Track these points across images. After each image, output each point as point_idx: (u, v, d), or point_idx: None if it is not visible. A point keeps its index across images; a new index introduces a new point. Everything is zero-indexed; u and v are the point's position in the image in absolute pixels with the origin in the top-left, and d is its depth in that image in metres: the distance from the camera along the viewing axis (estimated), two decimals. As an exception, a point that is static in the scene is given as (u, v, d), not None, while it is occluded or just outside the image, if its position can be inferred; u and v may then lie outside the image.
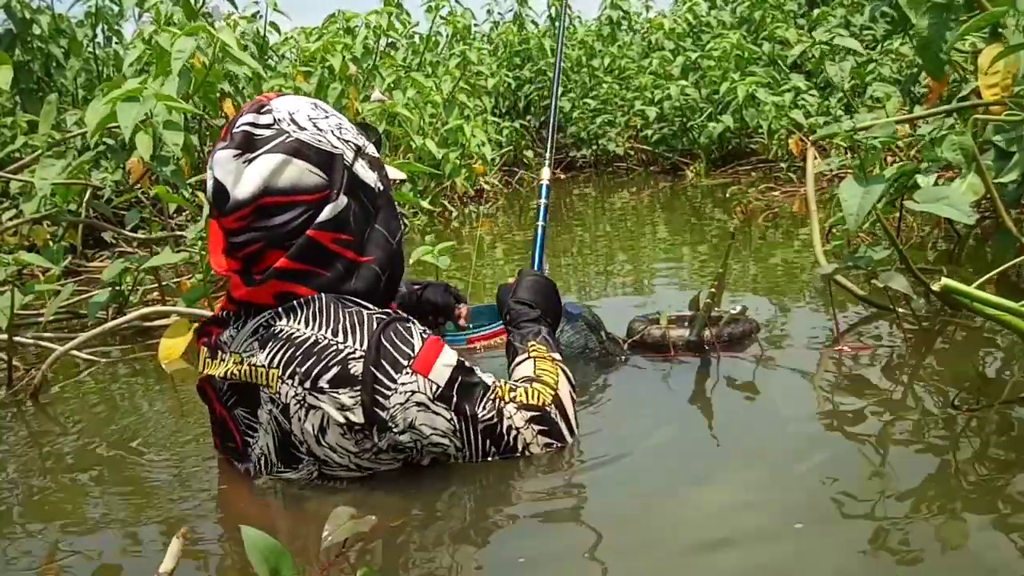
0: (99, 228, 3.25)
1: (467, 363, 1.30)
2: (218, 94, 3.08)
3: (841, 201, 1.82)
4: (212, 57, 2.65)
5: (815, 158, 2.55)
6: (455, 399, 1.25)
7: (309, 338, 1.23)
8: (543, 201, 1.88)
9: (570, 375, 1.44)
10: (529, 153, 7.11)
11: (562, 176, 7.42)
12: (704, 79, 6.76)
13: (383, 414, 1.21)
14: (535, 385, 1.36)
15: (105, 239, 3.57)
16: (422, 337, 1.26)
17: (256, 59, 4.18)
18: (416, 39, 6.64)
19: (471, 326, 2.02)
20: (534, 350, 1.46)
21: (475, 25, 7.79)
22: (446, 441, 1.27)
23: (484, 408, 1.28)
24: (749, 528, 1.14)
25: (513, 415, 1.31)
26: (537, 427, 1.33)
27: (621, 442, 1.46)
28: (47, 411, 1.89)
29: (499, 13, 8.42)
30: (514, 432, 1.31)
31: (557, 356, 1.47)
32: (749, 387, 1.71)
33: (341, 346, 1.22)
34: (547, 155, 1.95)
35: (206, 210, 2.12)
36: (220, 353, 1.31)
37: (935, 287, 1.43)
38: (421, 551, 1.13)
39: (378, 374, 1.21)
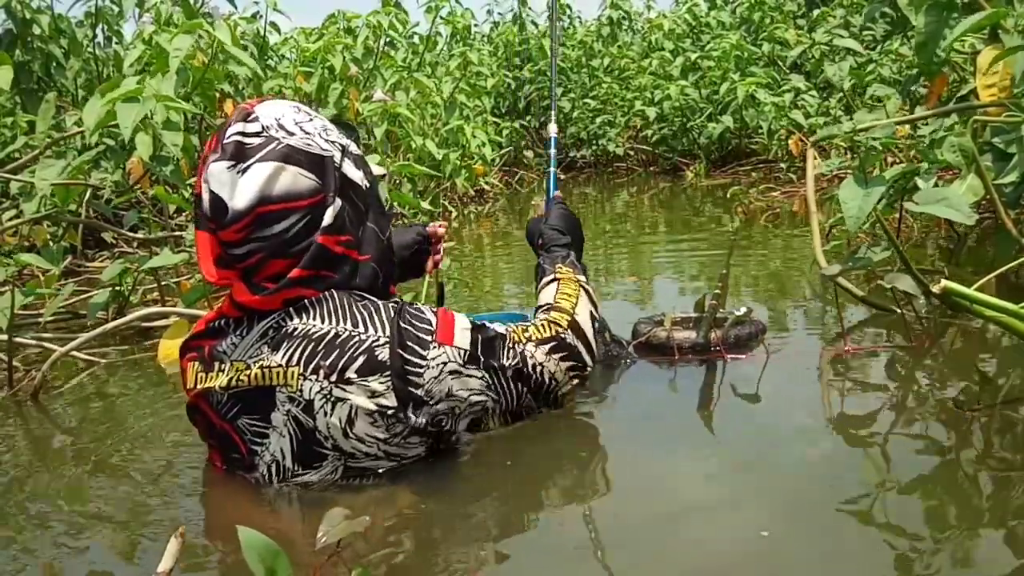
0: (99, 228, 3.25)
1: (478, 321, 1.35)
2: (217, 94, 3.08)
3: (841, 203, 1.82)
4: (211, 56, 2.65)
5: (815, 158, 2.54)
6: (482, 358, 1.32)
7: (328, 332, 1.24)
8: (552, 151, 1.98)
9: (593, 295, 1.51)
10: (529, 153, 7.11)
11: (562, 176, 7.42)
12: (704, 79, 6.76)
13: (418, 392, 1.25)
14: (551, 314, 1.44)
15: (105, 239, 3.57)
16: (433, 312, 1.31)
17: (256, 59, 4.18)
18: (416, 39, 6.64)
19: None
20: (561, 272, 1.55)
21: (475, 25, 7.79)
22: (483, 397, 1.33)
23: (508, 357, 1.35)
24: (739, 531, 1.14)
25: (534, 353, 1.38)
26: (557, 355, 1.40)
27: (622, 445, 1.47)
28: (47, 411, 1.89)
29: (499, 13, 8.43)
30: (539, 368, 1.38)
31: (582, 278, 1.54)
32: (753, 389, 1.70)
33: (363, 336, 1.24)
34: (552, 113, 2.07)
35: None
36: (218, 364, 1.29)
37: (935, 289, 1.43)
38: (415, 551, 1.13)
39: (406, 355, 1.25)
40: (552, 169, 1.97)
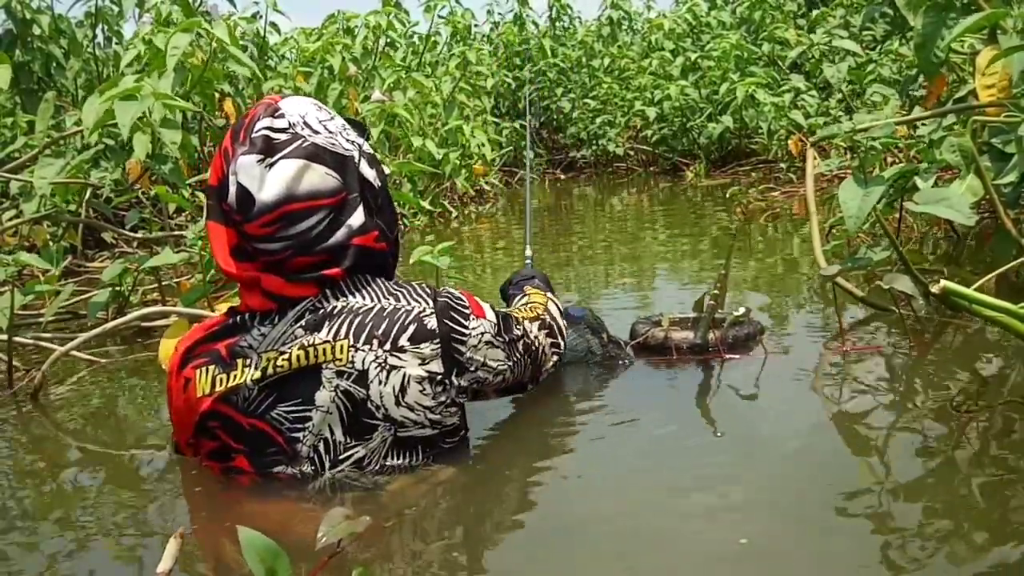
0: (99, 228, 3.25)
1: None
2: (217, 93, 3.08)
3: (841, 203, 1.82)
4: (209, 55, 2.65)
5: (814, 159, 2.55)
6: (504, 331, 1.41)
7: (374, 307, 1.31)
8: (528, 262, 2.14)
9: (557, 301, 1.70)
10: (529, 154, 7.11)
11: (562, 176, 7.43)
12: (704, 79, 6.77)
13: (461, 358, 1.33)
14: (529, 305, 1.62)
15: (105, 239, 3.57)
16: (460, 294, 1.41)
17: (256, 59, 4.18)
18: (415, 39, 6.64)
19: None
20: (529, 291, 1.72)
21: (475, 25, 7.79)
22: (505, 368, 1.41)
23: (518, 330, 1.46)
24: (730, 532, 1.14)
25: (530, 328, 1.50)
26: (544, 331, 1.54)
27: (622, 446, 1.47)
28: (47, 411, 1.89)
29: (499, 14, 8.42)
30: (537, 341, 1.51)
31: (549, 294, 1.72)
32: (751, 390, 1.71)
33: (409, 307, 1.32)
34: (528, 237, 2.26)
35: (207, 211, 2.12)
36: (243, 360, 1.29)
37: (934, 289, 1.43)
38: (416, 552, 1.13)
39: (451, 324, 1.33)
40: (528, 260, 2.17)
